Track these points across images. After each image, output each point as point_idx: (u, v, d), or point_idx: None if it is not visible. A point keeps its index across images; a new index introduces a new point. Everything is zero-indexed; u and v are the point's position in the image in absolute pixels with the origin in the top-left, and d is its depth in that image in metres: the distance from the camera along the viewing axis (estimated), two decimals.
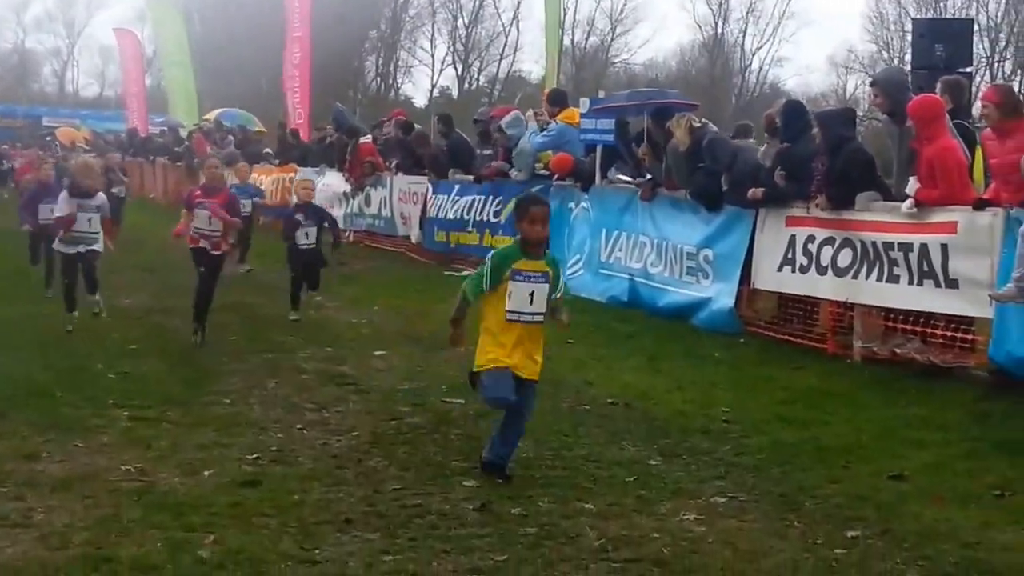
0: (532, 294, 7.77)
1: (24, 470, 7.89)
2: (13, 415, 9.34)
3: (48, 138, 51.53)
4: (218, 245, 13.23)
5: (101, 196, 13.77)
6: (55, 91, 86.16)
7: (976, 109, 15.86)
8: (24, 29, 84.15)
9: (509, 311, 7.76)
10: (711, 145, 14.24)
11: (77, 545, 6.48)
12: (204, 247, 13.16)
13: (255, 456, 8.45)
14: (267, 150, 31.23)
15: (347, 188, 24.58)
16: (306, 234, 14.74)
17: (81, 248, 13.52)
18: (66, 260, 13.65)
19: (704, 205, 14.47)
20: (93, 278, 13.83)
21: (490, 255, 7.96)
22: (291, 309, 14.80)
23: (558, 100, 19.23)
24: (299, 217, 14.90)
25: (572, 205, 17.61)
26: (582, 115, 17.34)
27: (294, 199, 17.84)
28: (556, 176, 18.11)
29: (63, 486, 7.57)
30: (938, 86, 12.40)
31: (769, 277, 13.46)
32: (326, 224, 15.38)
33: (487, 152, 20.43)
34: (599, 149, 17.03)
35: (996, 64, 57.63)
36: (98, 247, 13.66)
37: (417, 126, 24.18)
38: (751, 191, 13.47)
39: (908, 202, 11.37)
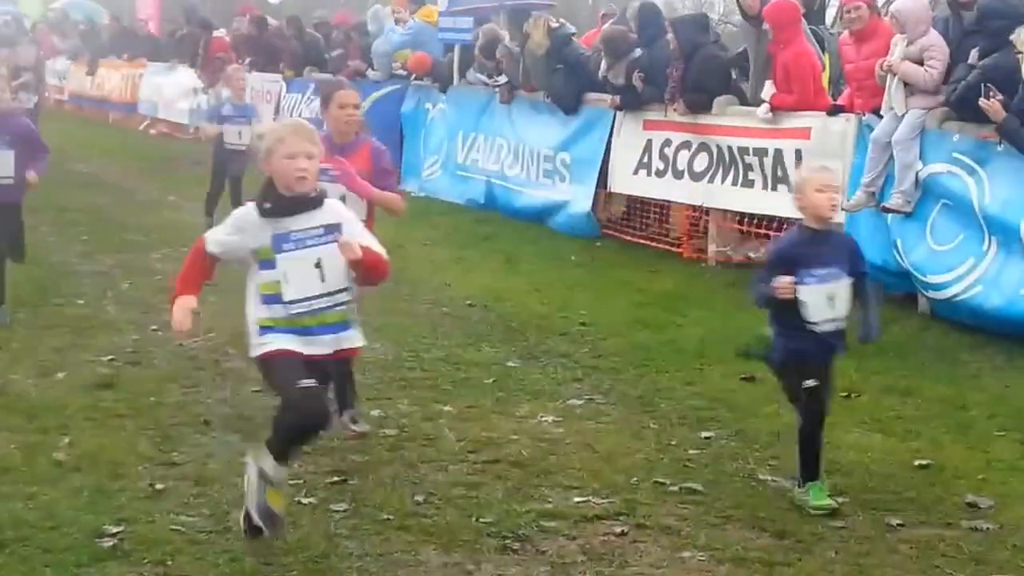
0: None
1: None
2: None
3: None
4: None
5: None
6: None
7: (829, 16, 16.02)
8: None
9: None
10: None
11: None
12: None
13: (110, 358, 8.34)
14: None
15: (198, 84, 24.01)
16: None
17: None
18: None
19: (561, 108, 14.46)
20: None
21: None
22: None
23: None
24: None
25: (429, 106, 17.47)
26: (440, 14, 17.14)
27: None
28: (414, 76, 17.93)
29: None
30: None
31: (625, 181, 13.54)
32: None
33: (337, 53, 20.11)
34: (457, 48, 16.88)
35: None
36: None
37: (273, 21, 23.68)
38: (610, 99, 13.49)
39: (764, 107, 11.50)
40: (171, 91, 24.68)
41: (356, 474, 6.27)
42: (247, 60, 22.61)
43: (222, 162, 13.14)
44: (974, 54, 9.62)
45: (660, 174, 12.95)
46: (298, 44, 20.99)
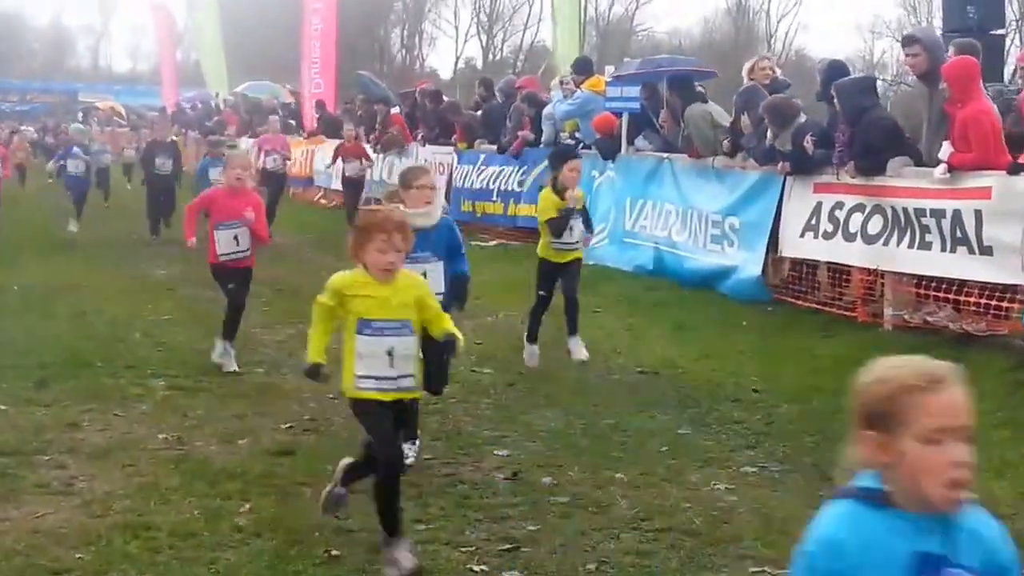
0: None
1: (65, 439, 8.03)
2: (54, 384, 9.49)
3: (81, 113, 51.71)
4: None
5: None
6: (90, 67, 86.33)
7: (1008, 72, 15.68)
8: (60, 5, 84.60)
9: None
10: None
11: (118, 512, 6.59)
12: None
13: (289, 425, 8.53)
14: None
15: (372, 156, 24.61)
16: None
17: None
18: None
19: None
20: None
21: None
22: None
23: (583, 68, 19.17)
24: None
25: (596, 173, 17.54)
26: (607, 83, 17.27)
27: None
28: (587, 141, 18.01)
29: (103, 454, 7.69)
30: (951, 49, 12.15)
31: (796, 244, 13.36)
32: None
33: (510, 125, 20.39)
34: (624, 117, 16.97)
35: None
36: None
37: (446, 98, 24.20)
38: (780, 165, 13.34)
39: (941, 167, 11.20)
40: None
41: (528, 542, 6.28)
42: (419, 135, 23.13)
43: None
44: None
45: (828, 236, 12.74)
46: (473, 115, 21.27)
